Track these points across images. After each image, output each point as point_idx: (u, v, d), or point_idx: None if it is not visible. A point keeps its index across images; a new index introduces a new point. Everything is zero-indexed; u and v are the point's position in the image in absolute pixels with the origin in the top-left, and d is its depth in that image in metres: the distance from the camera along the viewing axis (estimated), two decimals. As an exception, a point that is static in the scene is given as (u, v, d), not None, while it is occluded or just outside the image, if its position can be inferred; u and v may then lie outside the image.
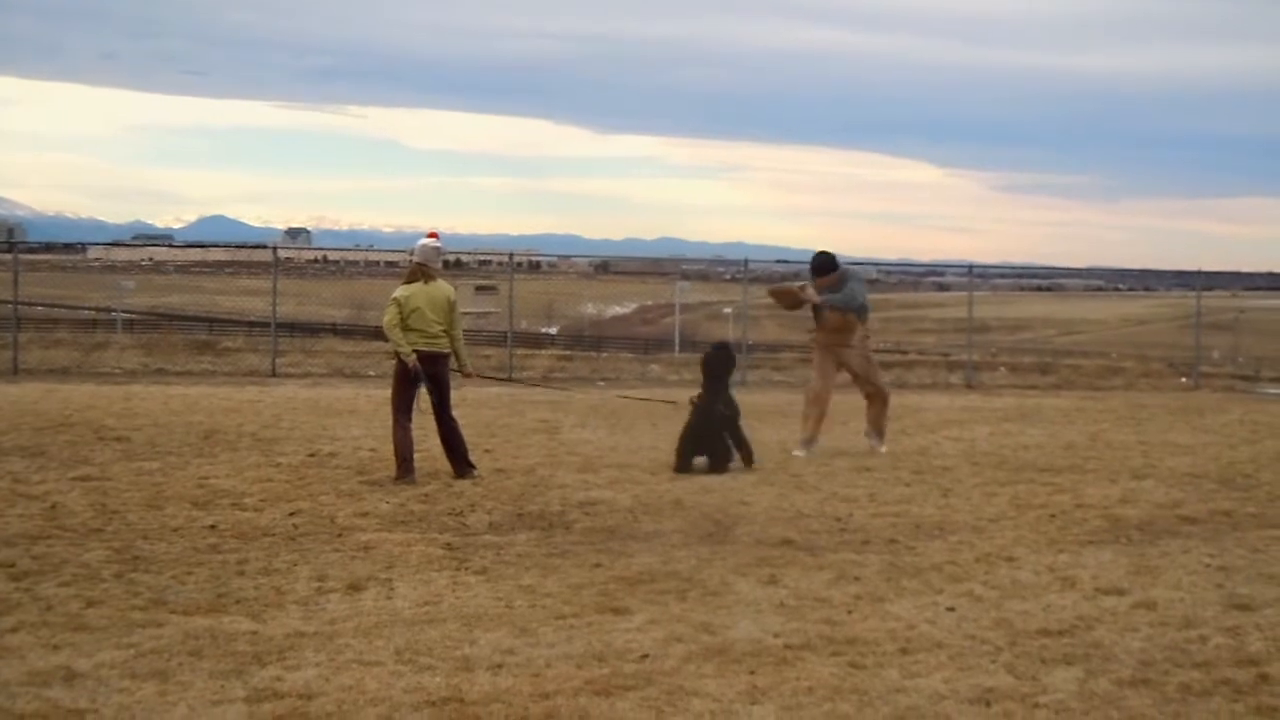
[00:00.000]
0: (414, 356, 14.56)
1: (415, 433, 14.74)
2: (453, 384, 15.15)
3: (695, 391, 16.55)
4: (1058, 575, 10.41)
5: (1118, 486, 14.80)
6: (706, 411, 16.00)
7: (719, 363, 16.61)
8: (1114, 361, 39.89)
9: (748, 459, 15.89)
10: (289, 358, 32.50)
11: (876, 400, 17.55)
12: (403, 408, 14.75)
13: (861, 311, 17.42)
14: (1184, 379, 33.95)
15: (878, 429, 17.47)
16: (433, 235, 15.19)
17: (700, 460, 15.70)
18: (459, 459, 14.78)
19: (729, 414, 16.07)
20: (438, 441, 14.95)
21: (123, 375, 29.01)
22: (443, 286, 14.97)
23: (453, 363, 15.08)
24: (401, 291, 14.75)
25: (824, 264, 17.51)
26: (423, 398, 14.80)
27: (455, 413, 14.98)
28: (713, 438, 15.82)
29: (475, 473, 14.67)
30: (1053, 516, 12.96)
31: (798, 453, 16.80)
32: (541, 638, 8.41)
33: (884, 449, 17.16)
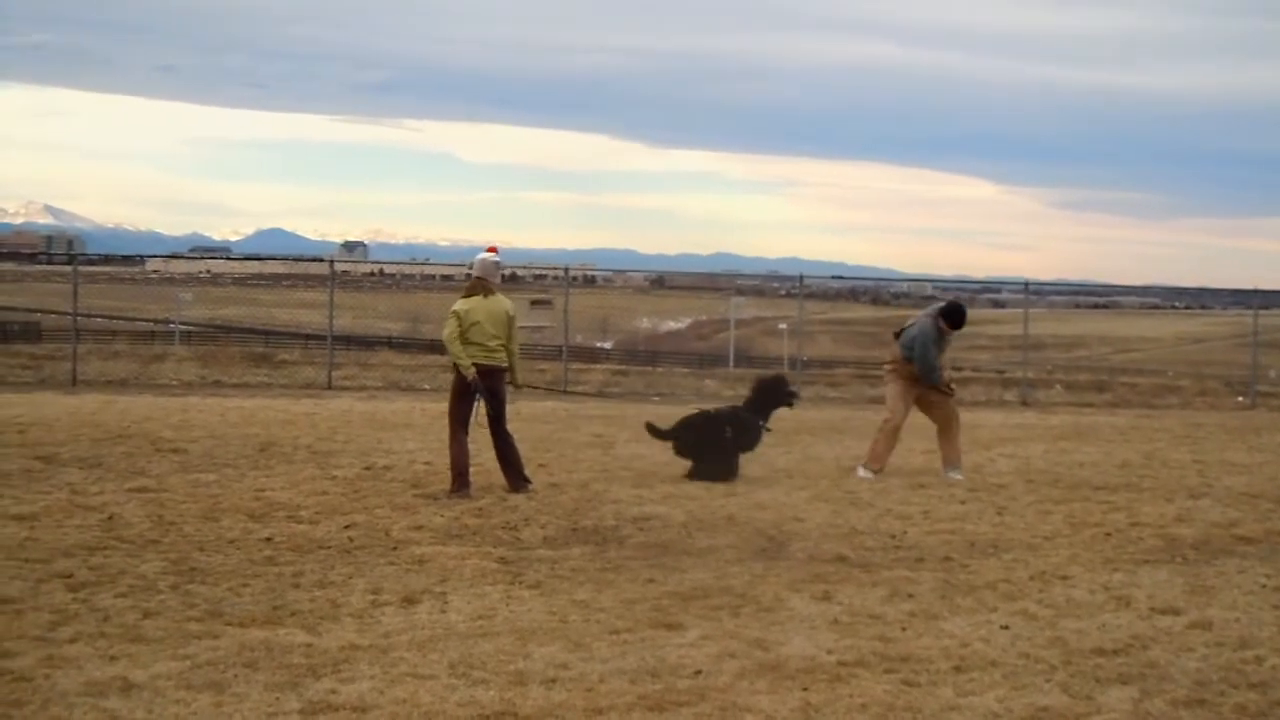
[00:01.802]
0: (473, 370, 14.57)
1: (470, 446, 14.75)
2: (507, 398, 15.16)
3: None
4: (1113, 594, 10.37)
5: (1173, 505, 14.72)
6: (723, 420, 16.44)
7: (765, 390, 17.02)
8: (1170, 380, 39.65)
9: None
10: (345, 371, 32.63)
11: (950, 427, 16.99)
12: (460, 421, 14.75)
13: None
14: (1240, 398, 33.74)
15: (951, 462, 16.88)
16: (492, 249, 15.19)
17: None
18: (514, 473, 14.79)
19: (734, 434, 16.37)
20: (492, 455, 14.96)
21: (180, 387, 29.20)
22: (502, 300, 14.98)
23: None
24: (461, 305, 14.76)
25: (963, 316, 16.95)
26: (480, 412, 14.80)
27: (510, 427, 14.98)
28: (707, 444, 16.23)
29: (530, 487, 14.67)
30: (1108, 535, 12.91)
31: (863, 473, 16.53)
32: (595, 652, 8.43)
33: (960, 475, 16.66)
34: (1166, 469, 18.08)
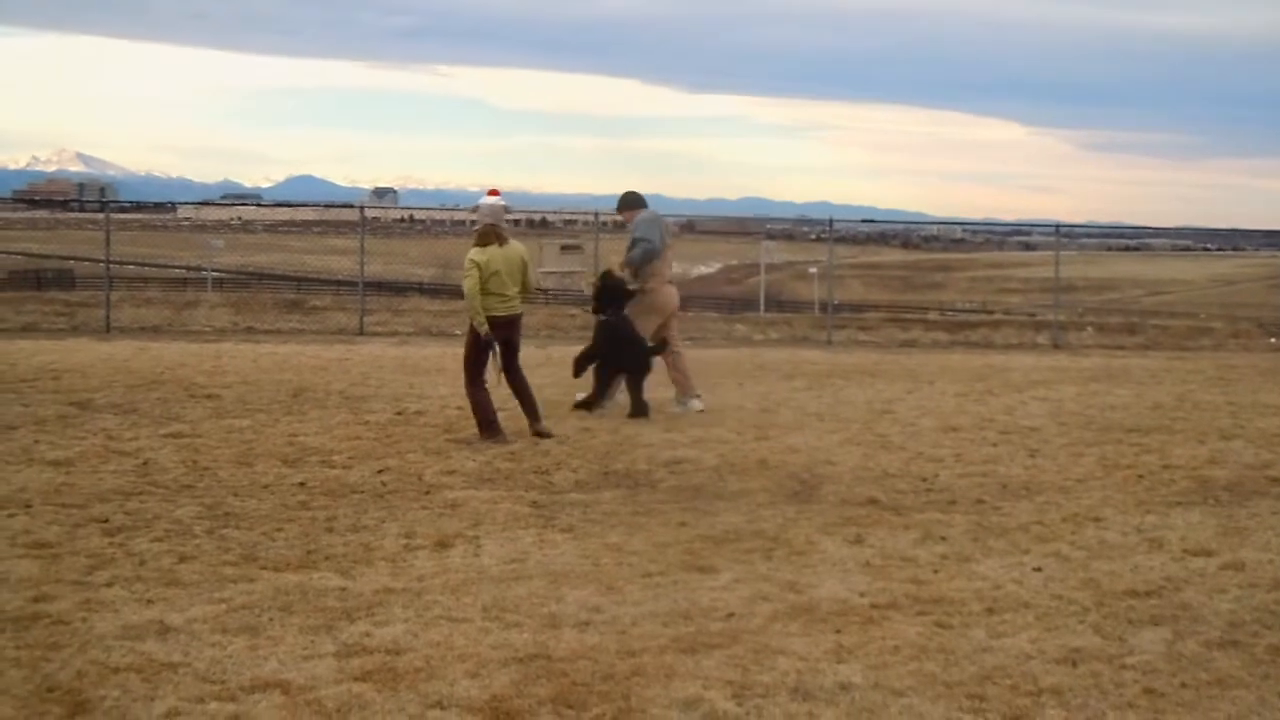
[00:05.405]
0: (487, 327, 14.50)
1: (499, 394, 14.71)
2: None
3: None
4: (1145, 536, 10.37)
5: (1206, 447, 14.69)
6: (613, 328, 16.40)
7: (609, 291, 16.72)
8: (1202, 322, 39.46)
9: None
10: (376, 316, 32.60)
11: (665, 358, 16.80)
12: (475, 372, 14.66)
13: (643, 258, 16.70)
14: (1273, 339, 33.57)
15: (680, 389, 16.82)
16: (494, 193, 15.02)
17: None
18: (530, 413, 14.75)
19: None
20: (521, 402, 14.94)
21: (213, 333, 29.22)
22: (516, 247, 14.86)
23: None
24: (480, 255, 14.54)
25: (632, 200, 17.21)
26: (492, 367, 14.66)
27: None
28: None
29: (541, 425, 14.62)
30: (1140, 477, 12.89)
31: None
32: (628, 595, 8.46)
33: (681, 408, 16.61)
34: (1199, 411, 18.03)
